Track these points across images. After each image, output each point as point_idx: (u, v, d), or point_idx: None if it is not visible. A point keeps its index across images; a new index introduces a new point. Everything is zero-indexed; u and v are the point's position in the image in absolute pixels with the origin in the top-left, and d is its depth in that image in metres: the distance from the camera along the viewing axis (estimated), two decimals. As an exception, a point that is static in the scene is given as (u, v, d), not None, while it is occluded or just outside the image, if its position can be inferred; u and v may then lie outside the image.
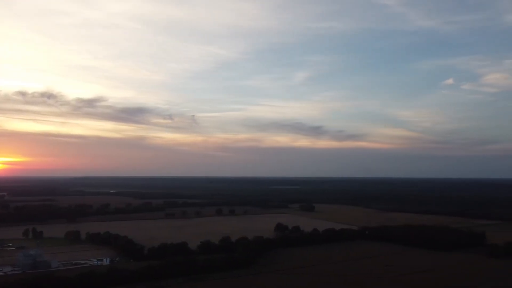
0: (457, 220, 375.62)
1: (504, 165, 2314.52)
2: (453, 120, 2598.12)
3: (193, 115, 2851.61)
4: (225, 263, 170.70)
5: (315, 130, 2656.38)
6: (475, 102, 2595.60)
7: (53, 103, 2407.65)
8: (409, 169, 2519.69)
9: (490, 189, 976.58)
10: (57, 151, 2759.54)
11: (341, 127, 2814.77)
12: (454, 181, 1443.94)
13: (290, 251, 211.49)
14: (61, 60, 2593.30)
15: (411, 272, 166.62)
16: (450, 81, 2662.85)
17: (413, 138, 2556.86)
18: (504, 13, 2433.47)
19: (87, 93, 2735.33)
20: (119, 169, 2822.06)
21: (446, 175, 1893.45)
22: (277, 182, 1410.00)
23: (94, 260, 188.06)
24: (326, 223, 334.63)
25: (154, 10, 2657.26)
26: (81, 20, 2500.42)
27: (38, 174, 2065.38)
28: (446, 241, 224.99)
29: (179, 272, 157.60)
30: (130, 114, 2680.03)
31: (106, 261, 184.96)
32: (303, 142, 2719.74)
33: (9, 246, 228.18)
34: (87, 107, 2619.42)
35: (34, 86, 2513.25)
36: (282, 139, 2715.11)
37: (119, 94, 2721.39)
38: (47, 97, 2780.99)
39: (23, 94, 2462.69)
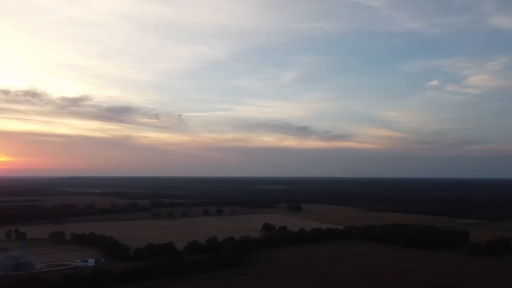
0: (441, 219, 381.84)
1: (487, 165, 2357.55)
2: (437, 121, 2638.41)
3: (180, 115, 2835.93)
4: (212, 263, 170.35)
5: (302, 130, 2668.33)
6: (459, 103, 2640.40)
7: (37, 102, 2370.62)
8: (394, 169, 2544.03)
9: (473, 189, 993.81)
10: (41, 151, 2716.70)
11: (328, 127, 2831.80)
12: (438, 181, 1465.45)
13: (277, 251, 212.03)
14: (46, 58, 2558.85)
15: (397, 271, 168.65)
16: (434, 82, 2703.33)
17: (399, 138, 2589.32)
18: (488, 16, 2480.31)
19: (72, 92, 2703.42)
20: (105, 169, 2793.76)
21: (430, 175, 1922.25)
22: (264, 182, 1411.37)
23: (79, 261, 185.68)
24: (313, 223, 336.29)
25: (141, 9, 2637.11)
26: (67, 18, 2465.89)
27: (22, 174, 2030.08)
28: (430, 240, 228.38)
29: (165, 272, 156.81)
30: (116, 113, 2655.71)
31: (91, 262, 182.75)
32: (290, 142, 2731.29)
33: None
34: (72, 106, 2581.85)
35: (17, 84, 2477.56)
36: (269, 139, 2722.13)
37: (104, 93, 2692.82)
38: (31, 96, 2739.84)
39: (6, 92, 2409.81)
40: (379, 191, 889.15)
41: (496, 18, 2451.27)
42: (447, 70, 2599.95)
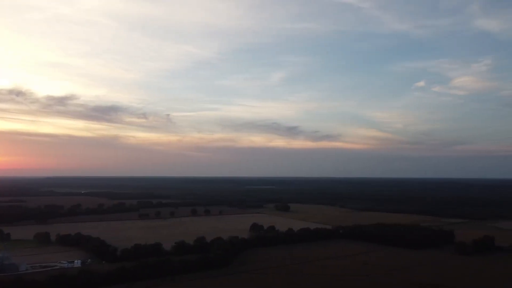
0: (428, 218, 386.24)
1: (473, 165, 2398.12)
2: (424, 122, 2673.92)
3: (168, 114, 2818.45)
4: (200, 264, 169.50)
5: (291, 130, 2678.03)
6: (445, 104, 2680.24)
7: (22, 101, 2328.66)
8: (382, 169, 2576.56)
9: (459, 188, 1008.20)
10: (26, 150, 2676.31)
11: (317, 128, 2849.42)
12: (425, 181, 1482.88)
13: (266, 251, 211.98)
14: (31, 57, 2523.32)
15: (385, 270, 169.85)
16: (421, 83, 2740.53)
17: (386, 138, 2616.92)
18: (473, 18, 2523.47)
19: (58, 91, 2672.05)
20: (91, 169, 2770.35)
21: (417, 175, 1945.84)
22: (252, 182, 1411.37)
23: (65, 262, 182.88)
24: (301, 222, 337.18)
25: (128, 7, 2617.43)
26: (53, 16, 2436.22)
27: (6, 174, 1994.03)
28: (417, 239, 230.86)
29: (153, 273, 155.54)
30: (103, 112, 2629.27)
31: (77, 263, 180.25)
32: (279, 142, 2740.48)
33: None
34: (58, 105, 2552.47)
35: (1, 82, 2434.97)
36: (258, 139, 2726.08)
37: (91, 92, 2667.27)
38: (16, 95, 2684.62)
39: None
40: (367, 191, 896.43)
41: (481, 20, 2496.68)
42: (433, 71, 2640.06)
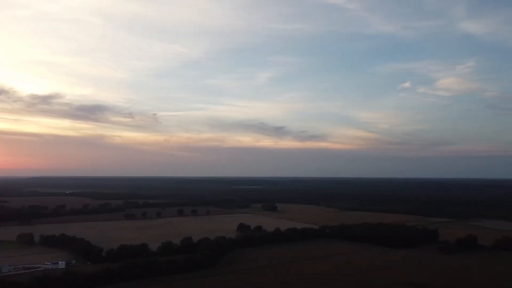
0: (413, 218, 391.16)
1: (457, 165, 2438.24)
2: (409, 122, 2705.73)
3: (155, 114, 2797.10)
4: (187, 264, 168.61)
5: (278, 131, 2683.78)
6: (430, 105, 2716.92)
7: (5, 99, 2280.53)
8: (368, 169, 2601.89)
9: (443, 188, 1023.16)
10: (9, 150, 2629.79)
11: (304, 128, 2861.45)
12: (410, 181, 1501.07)
13: (253, 251, 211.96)
14: (14, 54, 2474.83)
15: (371, 269, 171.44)
16: (407, 84, 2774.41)
17: (372, 139, 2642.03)
18: (458, 21, 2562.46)
19: (43, 89, 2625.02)
20: (77, 169, 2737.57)
21: (402, 175, 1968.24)
22: (239, 182, 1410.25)
23: (49, 263, 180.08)
24: (288, 222, 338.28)
25: (115, 6, 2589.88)
26: (38, 13, 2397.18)
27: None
28: (402, 239, 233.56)
29: (139, 274, 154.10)
30: (88, 111, 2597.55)
31: (62, 264, 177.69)
32: (266, 142, 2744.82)
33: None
34: (42, 104, 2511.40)
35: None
36: (245, 139, 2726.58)
37: (77, 91, 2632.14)
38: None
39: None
40: (354, 191, 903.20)
41: (465, 23, 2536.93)
42: (419, 73, 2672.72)
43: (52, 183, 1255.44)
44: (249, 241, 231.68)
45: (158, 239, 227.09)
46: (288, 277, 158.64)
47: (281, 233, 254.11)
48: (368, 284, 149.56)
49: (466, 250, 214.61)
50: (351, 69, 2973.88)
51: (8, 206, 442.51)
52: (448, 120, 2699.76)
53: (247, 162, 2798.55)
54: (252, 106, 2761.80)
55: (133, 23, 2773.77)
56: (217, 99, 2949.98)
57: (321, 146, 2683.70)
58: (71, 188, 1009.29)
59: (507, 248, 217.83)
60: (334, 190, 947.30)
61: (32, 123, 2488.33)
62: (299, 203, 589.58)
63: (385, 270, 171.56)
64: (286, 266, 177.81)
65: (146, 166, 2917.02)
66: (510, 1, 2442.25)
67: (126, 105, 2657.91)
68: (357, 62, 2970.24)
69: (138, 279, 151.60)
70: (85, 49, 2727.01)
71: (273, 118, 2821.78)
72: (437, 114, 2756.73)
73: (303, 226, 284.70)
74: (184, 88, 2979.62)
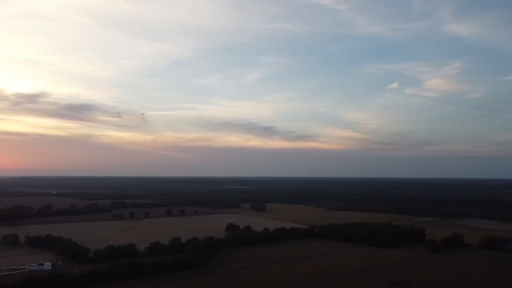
0: (399, 217, 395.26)
1: (443, 165, 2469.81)
2: (397, 122, 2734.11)
3: (143, 113, 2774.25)
4: (175, 265, 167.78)
5: (267, 131, 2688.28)
6: (417, 106, 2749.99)
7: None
8: (356, 169, 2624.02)
9: (430, 188, 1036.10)
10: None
11: (292, 128, 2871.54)
12: (397, 181, 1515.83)
13: (242, 251, 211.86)
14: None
15: (358, 268, 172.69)
16: (395, 85, 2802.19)
17: (360, 139, 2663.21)
18: (444, 22, 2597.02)
19: (28, 88, 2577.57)
20: (63, 169, 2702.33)
21: (390, 175, 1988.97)
22: (228, 182, 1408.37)
23: (34, 265, 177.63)
24: (277, 222, 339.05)
25: (102, 3, 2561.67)
26: (23, 11, 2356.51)
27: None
28: (390, 238, 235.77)
29: (126, 275, 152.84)
30: (75, 111, 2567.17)
31: (48, 265, 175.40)
32: (255, 142, 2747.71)
33: None
34: (28, 103, 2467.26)
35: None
36: (234, 139, 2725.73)
37: (63, 90, 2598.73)
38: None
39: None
40: (342, 190, 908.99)
41: (452, 25, 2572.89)
42: (406, 74, 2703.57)
43: (38, 183, 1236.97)
44: (238, 241, 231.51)
45: (146, 240, 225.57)
46: (276, 277, 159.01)
47: (270, 233, 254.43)
48: (356, 283, 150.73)
49: (452, 249, 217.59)
50: (339, 69, 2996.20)
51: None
52: (435, 120, 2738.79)
53: (236, 162, 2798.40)
54: (241, 106, 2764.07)
55: (121, 21, 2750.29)
56: (205, 98, 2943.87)
57: (309, 146, 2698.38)
58: (57, 188, 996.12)
59: (492, 247, 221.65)
60: (322, 190, 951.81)
61: (18, 122, 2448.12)
62: (288, 203, 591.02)
63: (372, 269, 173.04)
64: (274, 266, 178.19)
65: (134, 166, 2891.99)
66: (495, 3, 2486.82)
67: (114, 104, 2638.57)
68: (345, 62, 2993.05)
69: (126, 279, 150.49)
70: (71, 47, 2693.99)
71: (262, 118, 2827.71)
72: (424, 115, 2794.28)
73: (291, 226, 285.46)
74: (173, 87, 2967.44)
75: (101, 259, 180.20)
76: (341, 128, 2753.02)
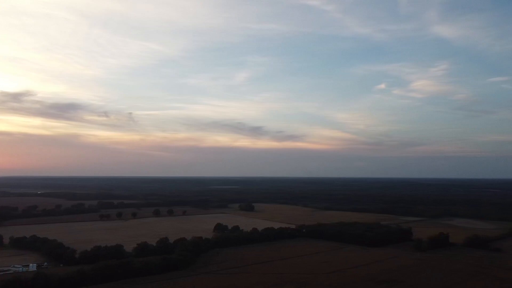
0: (387, 217, 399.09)
1: (429, 165, 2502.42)
2: (384, 123, 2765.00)
3: (131, 113, 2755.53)
4: (163, 265, 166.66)
5: (255, 130, 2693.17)
6: (404, 106, 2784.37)
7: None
8: (344, 169, 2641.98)
9: (416, 188, 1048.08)
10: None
11: (281, 128, 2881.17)
12: (384, 181, 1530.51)
13: (230, 251, 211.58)
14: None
15: (346, 268, 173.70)
16: (382, 86, 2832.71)
17: (348, 139, 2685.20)
18: (430, 24, 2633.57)
19: (13, 87, 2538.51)
20: (49, 169, 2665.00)
21: (377, 175, 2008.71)
22: (217, 182, 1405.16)
23: (19, 266, 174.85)
24: (266, 222, 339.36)
25: (90, 2, 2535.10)
26: (8, 8, 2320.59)
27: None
28: (377, 237, 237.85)
29: (113, 276, 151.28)
30: (61, 110, 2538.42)
31: (33, 266, 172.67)
32: (244, 142, 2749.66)
33: None
34: (12, 102, 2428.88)
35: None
36: (223, 139, 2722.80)
37: (49, 89, 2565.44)
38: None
39: None
40: (329, 190, 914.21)
41: (438, 26, 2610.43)
42: (393, 75, 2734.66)
43: (23, 184, 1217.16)
44: (226, 241, 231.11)
45: (133, 240, 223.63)
46: (264, 277, 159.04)
47: (258, 233, 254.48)
48: (344, 282, 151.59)
49: (438, 248, 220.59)
50: (327, 70, 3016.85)
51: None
52: (421, 121, 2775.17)
53: (224, 162, 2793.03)
54: (229, 106, 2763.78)
55: (108, 20, 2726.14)
56: (194, 98, 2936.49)
57: (298, 146, 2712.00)
58: (43, 188, 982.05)
59: (477, 246, 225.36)
60: (310, 189, 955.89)
61: (2, 122, 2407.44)
62: (276, 203, 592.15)
63: (359, 268, 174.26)
64: (262, 266, 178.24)
65: (121, 166, 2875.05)
66: (480, 6, 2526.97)
67: (100, 103, 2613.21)
68: (333, 63, 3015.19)
69: (113, 280, 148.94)
70: (57, 45, 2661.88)
71: (250, 118, 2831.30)
72: (411, 116, 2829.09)
73: (280, 226, 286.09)
74: (160, 87, 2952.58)
75: (88, 260, 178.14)
76: (329, 128, 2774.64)
